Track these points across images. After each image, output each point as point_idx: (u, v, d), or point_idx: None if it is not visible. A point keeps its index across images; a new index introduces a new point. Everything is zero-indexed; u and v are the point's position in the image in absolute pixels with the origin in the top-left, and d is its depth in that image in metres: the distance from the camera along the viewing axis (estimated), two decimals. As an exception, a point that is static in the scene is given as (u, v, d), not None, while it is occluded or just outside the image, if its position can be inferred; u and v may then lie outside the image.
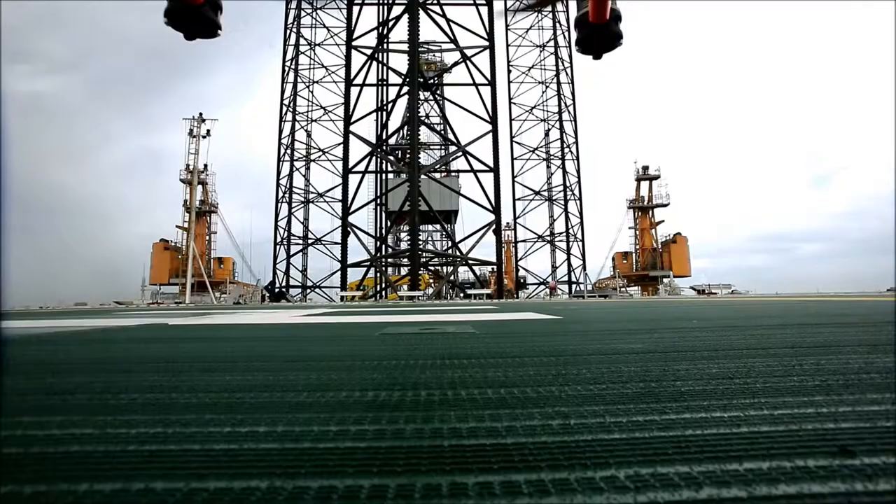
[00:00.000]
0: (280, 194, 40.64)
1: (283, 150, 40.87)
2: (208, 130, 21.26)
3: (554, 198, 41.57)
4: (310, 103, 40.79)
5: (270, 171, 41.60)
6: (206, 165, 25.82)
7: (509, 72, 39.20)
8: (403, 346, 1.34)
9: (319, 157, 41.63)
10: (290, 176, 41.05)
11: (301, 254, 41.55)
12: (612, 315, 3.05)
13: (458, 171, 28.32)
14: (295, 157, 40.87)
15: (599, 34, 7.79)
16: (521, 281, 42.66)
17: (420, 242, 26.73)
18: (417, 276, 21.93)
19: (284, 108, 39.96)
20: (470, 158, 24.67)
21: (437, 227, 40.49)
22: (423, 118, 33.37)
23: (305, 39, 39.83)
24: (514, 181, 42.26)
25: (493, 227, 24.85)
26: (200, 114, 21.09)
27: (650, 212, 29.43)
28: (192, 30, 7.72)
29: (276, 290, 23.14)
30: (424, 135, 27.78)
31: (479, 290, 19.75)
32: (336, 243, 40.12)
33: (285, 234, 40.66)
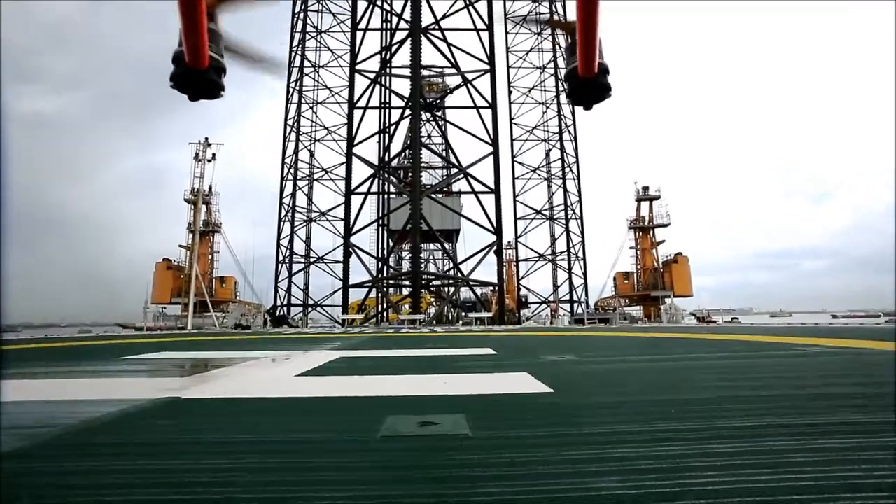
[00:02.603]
0: (283, 213, 40.92)
1: (286, 169, 41.27)
2: (213, 154, 21.62)
3: (555, 217, 41.72)
4: (313, 123, 41.31)
5: (273, 187, 42.01)
6: (210, 187, 26.09)
7: (510, 92, 39.71)
8: (399, 459, 1.39)
9: (322, 176, 42.00)
10: (294, 195, 41.37)
11: (303, 272, 41.65)
12: (617, 377, 3.03)
13: (460, 192, 28.52)
14: (298, 177, 41.23)
15: (589, 87, 8.01)
16: (524, 300, 42.59)
17: (422, 261, 26.83)
18: (419, 298, 21.95)
19: (288, 129, 40.46)
20: (471, 180, 24.86)
21: (439, 245, 40.63)
22: (424, 139, 33.74)
23: (310, 62, 40.50)
24: (515, 200, 42.46)
25: (495, 248, 24.93)
26: (206, 138, 21.45)
27: (651, 232, 29.49)
28: (196, 92, 7.95)
29: (279, 314, 23.16)
30: (426, 156, 28.06)
31: (479, 313, 19.76)
32: (338, 262, 40.23)
33: (287, 253, 40.83)
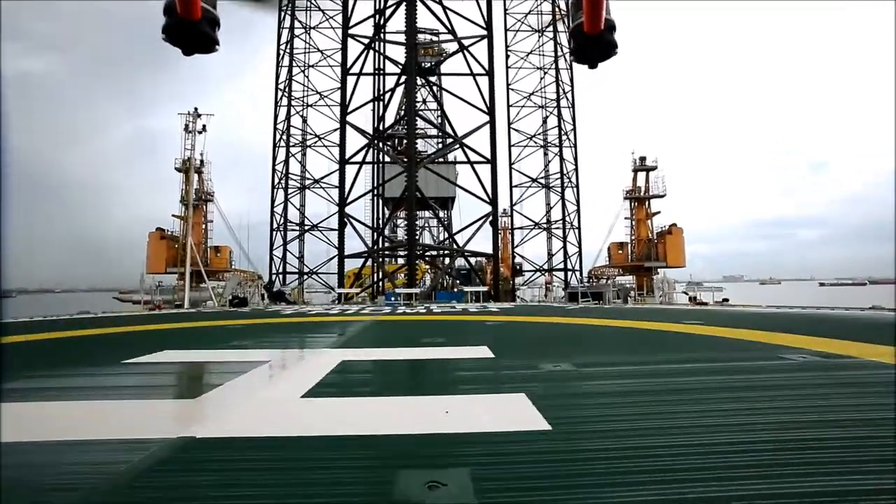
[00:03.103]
0: (276, 180, 40.46)
1: (278, 136, 40.51)
2: (204, 126, 21.14)
3: (551, 185, 41.53)
4: (305, 88, 40.28)
5: (266, 153, 41.26)
6: (202, 157, 25.62)
7: (507, 56, 38.68)
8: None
9: (315, 142, 41.29)
10: (286, 162, 40.78)
11: (298, 240, 41.59)
12: (618, 401, 3.11)
13: (456, 162, 28.23)
14: (291, 143, 40.50)
15: (595, 44, 7.77)
16: (518, 268, 42.96)
17: (417, 229, 26.85)
18: (414, 270, 22.08)
19: (279, 93, 39.46)
20: (467, 150, 24.56)
21: (434, 213, 40.49)
22: (419, 104, 33.01)
23: (300, 22, 39.09)
24: (511, 168, 42.14)
25: (490, 218, 24.92)
26: (196, 108, 20.91)
27: (646, 202, 29.52)
28: (189, 45, 7.68)
29: (276, 290, 23.31)
30: (421, 123, 27.55)
31: (475, 286, 19.96)
32: (332, 229, 40.13)
33: (282, 221, 40.62)
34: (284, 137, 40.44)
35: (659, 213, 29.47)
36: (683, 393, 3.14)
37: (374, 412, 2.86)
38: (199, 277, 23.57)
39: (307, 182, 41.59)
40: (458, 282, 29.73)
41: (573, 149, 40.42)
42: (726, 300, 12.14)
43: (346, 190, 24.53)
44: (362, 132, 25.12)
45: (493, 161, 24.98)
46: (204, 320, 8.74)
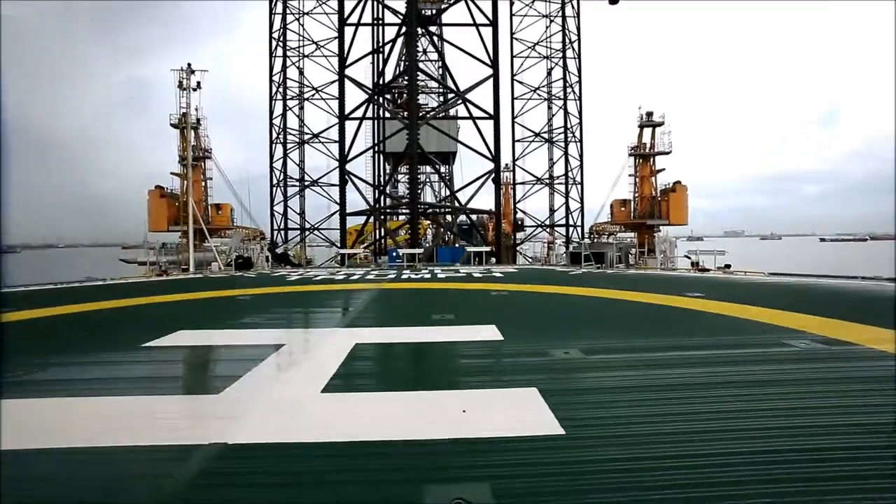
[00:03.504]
0: (274, 135, 39.66)
1: (274, 88, 39.33)
2: (199, 83, 20.42)
3: (554, 140, 40.75)
4: (301, 38, 38.68)
5: (262, 103, 40.22)
6: (197, 111, 24.93)
7: (511, 3, 36.89)
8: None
9: (313, 95, 40.13)
10: (284, 115, 39.81)
11: (298, 196, 41.30)
12: (633, 394, 3.24)
13: (458, 117, 27.55)
14: (288, 96, 39.39)
15: None
16: (520, 223, 42.92)
17: (419, 183, 26.62)
18: (417, 229, 22.08)
19: (274, 43, 37.96)
20: (469, 105, 23.94)
21: (436, 168, 39.98)
22: (420, 55, 31.79)
23: (293, -36, 37.02)
24: (513, 122, 41.17)
25: (493, 175, 24.63)
26: (189, 65, 20.10)
27: (651, 159, 29.07)
28: None
29: (280, 252, 23.34)
30: (422, 77, 26.64)
31: (477, 247, 19.97)
32: (333, 185, 39.78)
33: (281, 177, 40.17)
34: (281, 90, 39.29)
35: (663, 170, 29.11)
36: (690, 390, 3.25)
37: (393, 411, 2.98)
38: (201, 236, 23.61)
39: (306, 137, 40.79)
40: (459, 237, 29.83)
41: (578, 102, 39.35)
42: (728, 266, 12.22)
43: (347, 147, 24.08)
44: (362, 87, 24.38)
45: (495, 117, 24.39)
46: (212, 289, 8.85)
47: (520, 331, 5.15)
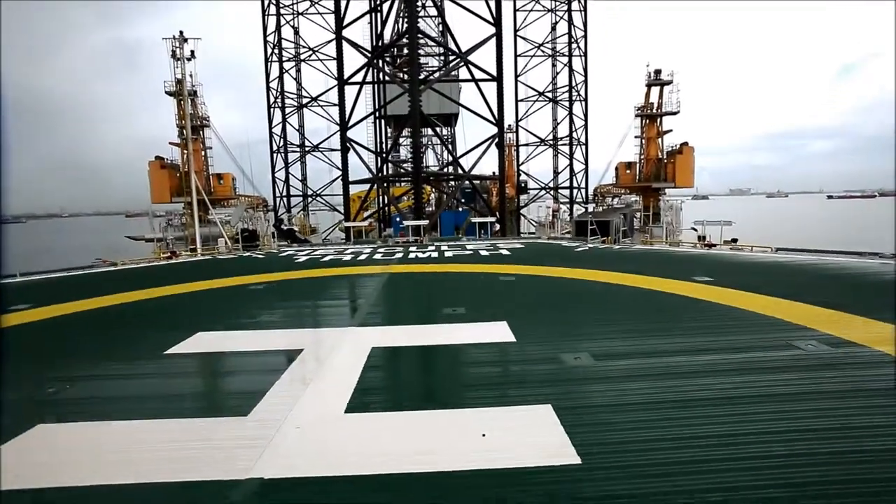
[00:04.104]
0: (272, 98, 38.79)
1: (269, 50, 38.14)
2: (192, 52, 19.71)
3: (558, 99, 39.74)
4: (294, -6, 37.17)
5: (255, 63, 39.19)
6: (191, 78, 24.21)
7: (514, -47, 35.16)
8: None
9: (310, 56, 38.95)
10: (280, 78, 38.80)
11: (299, 162, 40.85)
12: (653, 417, 3.22)
13: (459, 80, 26.76)
14: (284, 58, 38.25)
15: None
16: (523, 185, 42.52)
17: (421, 146, 26.23)
18: (421, 196, 21.94)
19: (266, 0, 36.52)
20: (471, 67, 23.22)
21: (439, 130, 39.26)
22: (419, 10, 30.55)
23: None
24: (516, 80, 40.04)
25: (496, 140, 24.21)
26: (181, 32, 19.31)
27: (658, 120, 28.39)
28: None
29: (285, 228, 23.29)
30: (422, 39, 25.69)
31: (481, 213, 19.80)
32: (334, 150, 39.23)
33: (281, 142, 39.60)
34: (276, 52, 38.11)
35: (670, 131, 28.49)
36: (700, 407, 3.33)
37: (412, 434, 3.10)
38: (204, 207, 23.57)
39: (304, 100, 39.90)
40: (462, 201, 29.65)
41: (583, 58, 38.11)
42: (735, 240, 12.20)
43: (347, 113, 23.56)
44: (360, 49, 23.59)
45: (499, 79, 23.70)
46: (223, 277, 8.95)
47: (530, 328, 5.23)
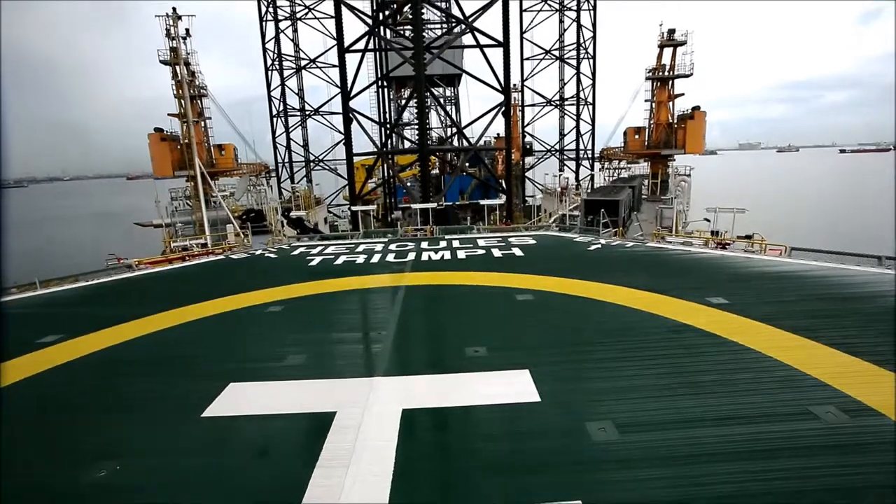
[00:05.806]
0: (269, 61, 37.44)
1: (264, 8, 36.42)
2: (187, 30, 18.74)
3: (566, 58, 38.22)
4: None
5: (251, 19, 37.65)
6: (187, 45, 23.27)
7: None
8: None
9: (306, 14, 37.20)
10: (277, 39, 37.30)
11: (300, 127, 39.97)
12: None
13: (464, 46, 25.68)
14: (279, 17, 36.57)
15: None
16: (528, 147, 41.71)
17: (427, 116, 25.56)
18: (427, 172, 21.62)
19: (258, -46, 34.52)
20: (476, 34, 22.26)
21: (441, 91, 38.07)
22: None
23: None
24: (522, 38, 38.41)
25: (503, 109, 23.57)
26: (174, 9, 18.27)
27: (670, 83, 27.38)
28: None
29: (294, 216, 22.99)
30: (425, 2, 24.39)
31: (493, 200, 19.55)
32: (335, 113, 38.24)
33: (280, 107, 38.58)
34: (272, 8, 36.40)
35: (683, 94, 27.55)
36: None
37: None
38: (206, 183, 23.33)
39: (303, 62, 38.50)
40: (467, 165, 29.25)
41: (591, 13, 36.33)
42: (749, 237, 12.10)
43: (349, 83, 22.79)
44: (361, 15, 22.50)
45: (505, 43, 22.72)
46: (241, 290, 9.00)
47: (552, 382, 5.27)
